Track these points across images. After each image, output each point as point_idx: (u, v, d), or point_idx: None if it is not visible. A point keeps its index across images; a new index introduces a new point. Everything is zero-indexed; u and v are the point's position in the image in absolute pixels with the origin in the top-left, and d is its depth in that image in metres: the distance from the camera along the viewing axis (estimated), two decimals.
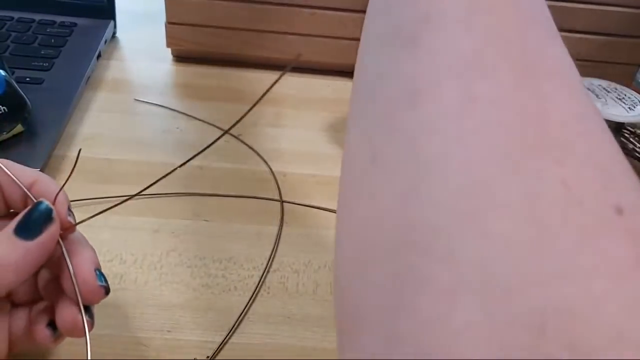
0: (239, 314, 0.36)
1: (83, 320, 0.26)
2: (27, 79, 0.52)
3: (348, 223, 0.18)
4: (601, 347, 0.12)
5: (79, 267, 0.27)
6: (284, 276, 0.39)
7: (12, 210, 0.29)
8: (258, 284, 0.38)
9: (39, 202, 0.26)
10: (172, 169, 0.46)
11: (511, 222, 0.14)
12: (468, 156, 0.15)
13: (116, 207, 0.42)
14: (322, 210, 0.45)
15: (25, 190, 0.27)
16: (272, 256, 0.40)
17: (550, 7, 0.19)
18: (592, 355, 0.12)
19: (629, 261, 0.13)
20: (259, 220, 0.43)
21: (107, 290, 0.28)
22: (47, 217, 0.26)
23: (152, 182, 0.45)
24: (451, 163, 0.15)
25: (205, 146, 0.50)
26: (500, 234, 0.14)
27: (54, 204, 0.27)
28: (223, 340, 0.35)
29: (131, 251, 0.39)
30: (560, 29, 0.18)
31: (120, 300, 0.36)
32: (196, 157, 0.48)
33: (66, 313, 0.26)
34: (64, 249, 0.27)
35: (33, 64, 0.54)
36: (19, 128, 0.45)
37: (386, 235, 0.16)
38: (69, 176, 0.27)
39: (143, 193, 0.25)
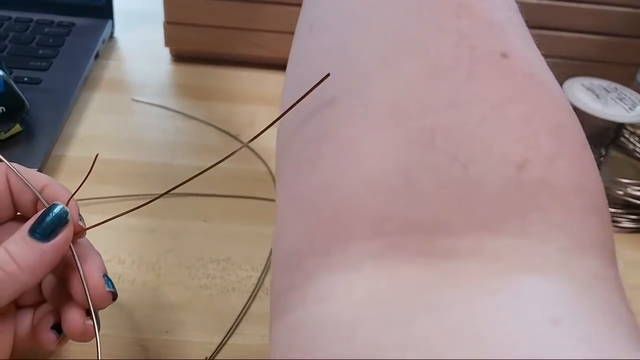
0: (237, 315, 0.36)
1: (94, 325, 0.26)
2: (25, 79, 0.51)
3: (289, 80, 0.22)
4: (475, 158, 0.15)
5: (89, 273, 0.27)
6: None
7: (19, 214, 0.29)
8: (256, 285, 0.38)
9: (54, 205, 0.26)
10: (170, 169, 0.46)
11: (414, 62, 0.17)
12: (384, 15, 0.19)
13: (111, 207, 0.42)
14: None
15: (37, 194, 0.27)
16: (270, 257, 0.40)
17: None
18: (468, 163, 0.15)
19: (505, 93, 0.17)
20: (258, 220, 0.43)
21: (114, 296, 0.28)
22: (62, 219, 0.26)
23: (151, 182, 0.45)
24: (370, 21, 0.19)
25: (200, 149, 0.49)
26: (405, 73, 0.17)
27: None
28: (221, 342, 0.35)
29: (129, 252, 0.39)
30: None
31: (118, 301, 0.36)
32: (193, 158, 0.48)
33: (74, 318, 0.27)
34: (74, 254, 0.27)
35: (31, 63, 0.53)
36: (17, 128, 0.45)
37: (314, 82, 0.19)
38: (83, 181, 0.27)
39: (173, 192, 0.26)
